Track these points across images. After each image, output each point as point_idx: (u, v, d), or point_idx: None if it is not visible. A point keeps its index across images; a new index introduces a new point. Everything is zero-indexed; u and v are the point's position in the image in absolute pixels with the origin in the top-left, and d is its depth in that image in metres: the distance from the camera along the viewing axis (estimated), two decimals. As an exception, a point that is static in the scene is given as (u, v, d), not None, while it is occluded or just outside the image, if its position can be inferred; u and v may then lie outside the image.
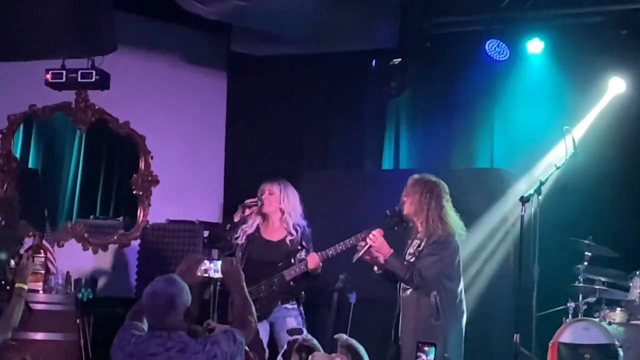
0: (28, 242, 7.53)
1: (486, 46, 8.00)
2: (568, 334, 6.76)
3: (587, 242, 6.99)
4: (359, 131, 8.99)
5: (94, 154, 8.82)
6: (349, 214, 7.37)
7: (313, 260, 6.37)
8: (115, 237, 8.66)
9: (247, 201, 6.62)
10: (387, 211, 6.16)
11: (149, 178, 8.79)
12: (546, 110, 7.89)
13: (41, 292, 6.97)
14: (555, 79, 7.91)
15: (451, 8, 8.17)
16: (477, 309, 7.46)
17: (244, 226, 6.60)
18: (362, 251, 6.05)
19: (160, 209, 8.67)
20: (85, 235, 8.52)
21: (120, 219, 8.81)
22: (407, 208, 6.12)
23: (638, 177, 7.72)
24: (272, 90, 9.08)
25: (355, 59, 8.39)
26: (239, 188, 8.68)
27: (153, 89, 8.79)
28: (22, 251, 7.18)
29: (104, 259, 8.59)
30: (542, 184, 6.54)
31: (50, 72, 7.22)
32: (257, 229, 6.62)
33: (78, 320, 7.15)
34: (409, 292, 6.04)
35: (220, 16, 7.60)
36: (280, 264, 6.48)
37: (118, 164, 9.00)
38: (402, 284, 6.08)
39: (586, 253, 7.03)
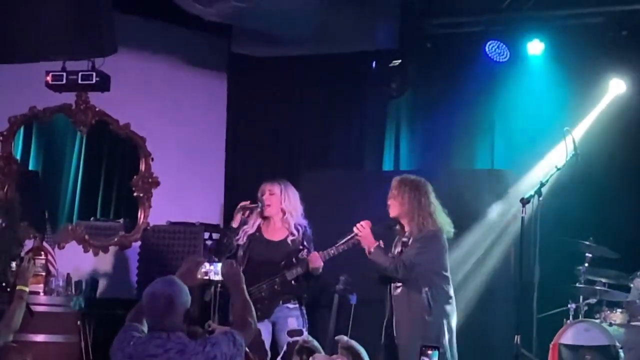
0: (28, 244, 7.53)
1: (486, 47, 8.01)
2: (569, 335, 6.76)
3: (587, 243, 6.99)
4: (359, 132, 8.99)
5: (94, 155, 8.82)
6: (349, 215, 7.35)
7: (315, 260, 6.37)
8: (115, 239, 8.66)
9: (243, 204, 6.61)
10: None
11: (150, 180, 8.79)
12: (546, 112, 7.89)
13: (42, 294, 6.96)
14: (556, 80, 7.92)
15: (451, 9, 8.17)
16: (478, 310, 7.47)
17: (244, 227, 6.60)
18: (347, 238, 6.06)
19: (160, 211, 8.67)
20: (86, 237, 8.52)
21: (121, 220, 8.80)
22: (397, 209, 6.14)
23: (638, 178, 7.72)
24: (272, 91, 9.08)
25: (356, 60, 8.39)
26: (240, 189, 8.69)
27: (153, 90, 8.79)
28: (22, 253, 7.18)
29: (105, 261, 8.58)
30: (542, 185, 6.55)
31: (50, 74, 7.22)
32: (259, 228, 6.62)
33: (79, 322, 7.15)
34: (399, 290, 6.05)
35: (220, 17, 7.59)
36: (281, 264, 6.48)
37: (118, 165, 9.00)
38: (392, 283, 6.09)
39: (587, 254, 7.04)
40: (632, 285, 6.91)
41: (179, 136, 8.88)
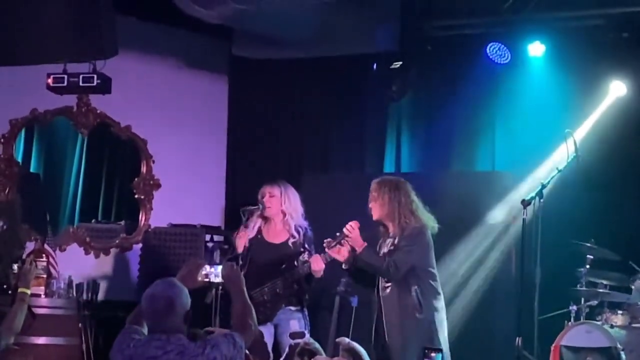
0: (30, 246, 7.54)
1: (487, 49, 8.00)
2: (570, 337, 6.76)
3: (589, 245, 6.99)
4: (360, 134, 8.99)
5: (95, 158, 8.83)
6: (350, 217, 7.36)
7: (317, 262, 6.36)
8: (117, 241, 8.66)
9: (246, 208, 6.62)
10: None
11: (151, 182, 8.79)
12: (547, 114, 7.89)
13: (43, 296, 6.98)
14: (557, 82, 7.91)
15: (452, 11, 8.17)
16: (479, 312, 7.48)
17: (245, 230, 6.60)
18: (337, 240, 6.06)
19: (161, 213, 8.67)
20: (87, 239, 8.52)
21: (122, 222, 8.81)
22: (379, 211, 6.14)
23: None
24: (273, 94, 9.09)
25: (356, 62, 8.39)
26: (241, 191, 8.71)
27: (154, 92, 8.79)
28: (24, 256, 7.19)
29: (106, 263, 8.58)
30: (543, 187, 6.55)
31: (51, 76, 7.21)
32: (259, 231, 6.62)
33: (80, 325, 7.15)
34: (388, 290, 6.04)
35: (221, 19, 7.60)
36: (283, 267, 6.48)
37: (120, 167, 9.01)
38: (380, 284, 6.09)
39: (588, 256, 7.04)
40: (633, 287, 6.91)
41: (180, 138, 8.88)
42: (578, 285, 7.02)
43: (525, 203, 6.46)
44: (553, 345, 6.75)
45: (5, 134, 8.19)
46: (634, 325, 6.84)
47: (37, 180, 8.49)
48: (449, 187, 7.74)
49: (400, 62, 8.19)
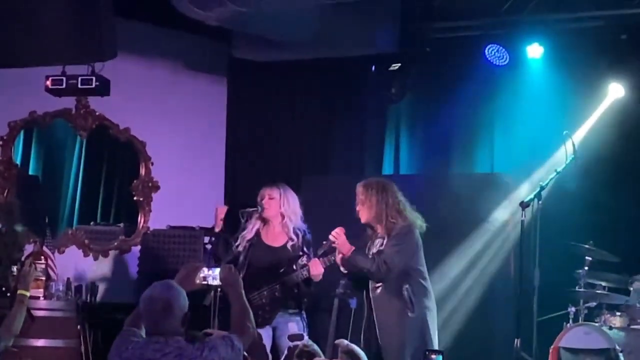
0: (29, 248, 7.53)
1: (486, 51, 8.01)
2: (569, 339, 6.75)
3: (587, 246, 6.98)
4: (359, 136, 9.00)
5: (94, 160, 8.83)
6: (349, 220, 7.37)
7: (316, 267, 6.35)
8: (115, 243, 8.66)
9: (245, 210, 6.62)
10: None
11: (150, 184, 8.80)
12: (546, 115, 7.89)
13: (42, 298, 6.97)
14: (555, 83, 7.91)
15: (451, 13, 8.17)
16: (478, 314, 7.48)
17: (243, 232, 6.59)
18: (325, 248, 6.09)
19: (160, 215, 8.67)
20: (86, 241, 8.52)
21: (121, 225, 8.81)
22: (367, 214, 6.15)
23: (638, 182, 7.72)
24: (272, 96, 9.09)
25: (356, 64, 8.39)
26: (240, 194, 8.70)
27: (153, 95, 8.79)
28: (23, 258, 7.19)
29: (105, 265, 8.58)
30: (542, 188, 6.56)
31: (50, 78, 7.22)
32: (257, 233, 6.61)
33: (79, 327, 7.15)
34: (379, 291, 6.05)
35: (220, 22, 7.59)
36: (282, 270, 6.47)
37: (118, 170, 9.01)
38: (371, 285, 6.09)
39: (587, 257, 7.03)
40: (632, 288, 6.90)
41: (179, 140, 8.88)
42: (577, 287, 7.01)
43: (523, 205, 6.47)
44: (552, 346, 6.74)
45: (4, 137, 8.19)
46: (632, 326, 6.84)
47: (36, 182, 8.50)
48: (448, 188, 7.75)
49: (400, 64, 8.20)
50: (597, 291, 7.00)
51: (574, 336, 6.74)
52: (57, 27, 6.60)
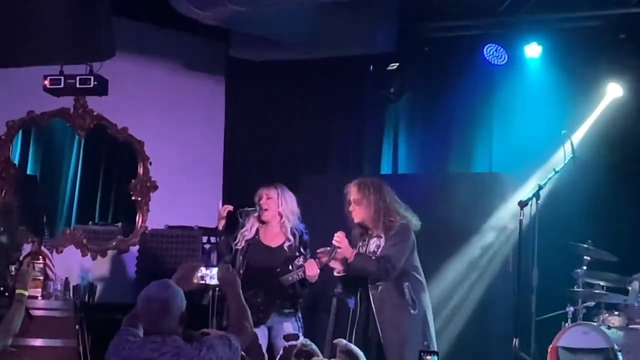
0: (27, 248, 7.53)
1: (484, 51, 8.01)
2: (567, 338, 6.75)
3: (586, 246, 6.99)
4: (357, 135, 9.00)
5: (92, 159, 8.82)
6: (347, 219, 7.37)
7: (312, 268, 6.34)
8: (114, 243, 8.66)
9: (243, 209, 6.62)
10: None
11: (148, 184, 8.79)
12: (544, 115, 7.90)
13: (40, 298, 6.97)
14: (554, 83, 7.92)
15: (449, 13, 8.17)
16: (477, 313, 7.48)
17: (242, 231, 6.59)
18: (331, 253, 6.07)
19: (158, 215, 8.67)
20: (84, 241, 8.51)
21: (119, 224, 8.81)
22: (363, 214, 6.15)
23: (636, 181, 7.73)
24: (270, 95, 9.09)
25: (354, 64, 8.39)
26: (238, 193, 8.68)
27: (151, 94, 8.79)
28: (21, 257, 7.18)
29: (103, 265, 8.57)
30: (540, 188, 6.56)
31: (48, 78, 7.22)
32: (257, 233, 6.61)
33: (77, 326, 7.15)
34: (379, 289, 6.04)
35: (218, 21, 7.59)
36: (278, 270, 6.47)
37: (117, 169, 9.00)
38: (370, 284, 6.08)
39: (585, 257, 7.03)
40: (630, 288, 6.90)
41: (177, 140, 8.88)
42: (575, 287, 7.01)
43: (522, 204, 6.47)
44: (550, 346, 6.75)
45: (2, 136, 8.18)
46: (630, 326, 6.83)
47: (34, 182, 8.49)
48: (446, 188, 7.75)
49: (398, 64, 8.20)
50: (596, 291, 7.00)
51: (572, 336, 6.74)
52: (55, 27, 6.59)
